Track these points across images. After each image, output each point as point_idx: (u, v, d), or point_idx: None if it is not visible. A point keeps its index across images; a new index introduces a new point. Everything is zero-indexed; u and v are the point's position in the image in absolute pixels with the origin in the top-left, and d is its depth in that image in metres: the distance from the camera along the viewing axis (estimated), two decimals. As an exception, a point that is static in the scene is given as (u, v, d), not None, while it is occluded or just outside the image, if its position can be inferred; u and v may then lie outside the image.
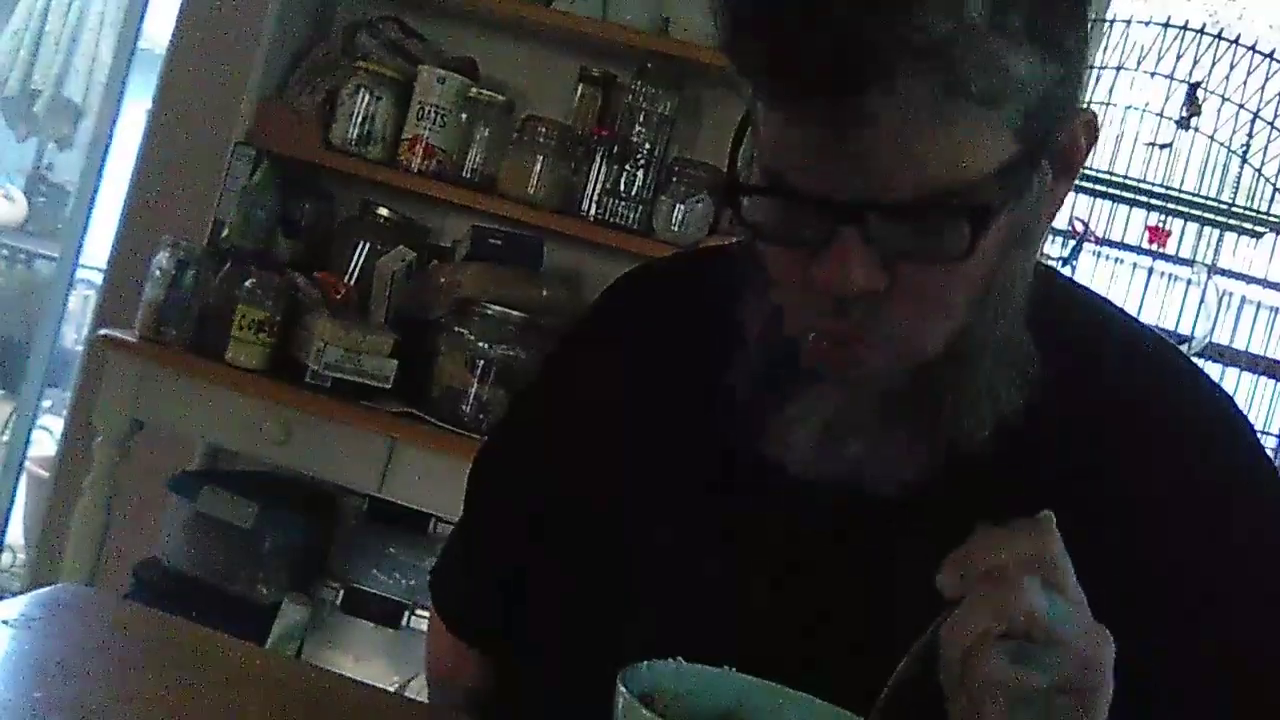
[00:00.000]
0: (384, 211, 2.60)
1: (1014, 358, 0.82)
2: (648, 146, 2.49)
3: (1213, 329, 2.53)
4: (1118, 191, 2.54)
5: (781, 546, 0.87)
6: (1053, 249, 2.49)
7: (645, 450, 0.95)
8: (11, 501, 3.47)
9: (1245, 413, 0.92)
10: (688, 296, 1.00)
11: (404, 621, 2.39)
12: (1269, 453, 0.94)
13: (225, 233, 2.52)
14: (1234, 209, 2.48)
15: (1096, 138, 0.81)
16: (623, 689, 0.67)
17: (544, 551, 1.02)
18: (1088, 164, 0.89)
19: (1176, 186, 2.50)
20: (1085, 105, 0.80)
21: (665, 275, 1.08)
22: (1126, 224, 2.57)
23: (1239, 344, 2.60)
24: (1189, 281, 2.57)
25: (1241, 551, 0.85)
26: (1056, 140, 0.77)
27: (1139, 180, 2.50)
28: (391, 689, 2.05)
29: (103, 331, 2.46)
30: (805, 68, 0.71)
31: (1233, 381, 2.53)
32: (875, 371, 0.79)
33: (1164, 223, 2.57)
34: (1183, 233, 2.58)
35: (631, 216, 2.49)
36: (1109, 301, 0.95)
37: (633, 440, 0.96)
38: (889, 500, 0.82)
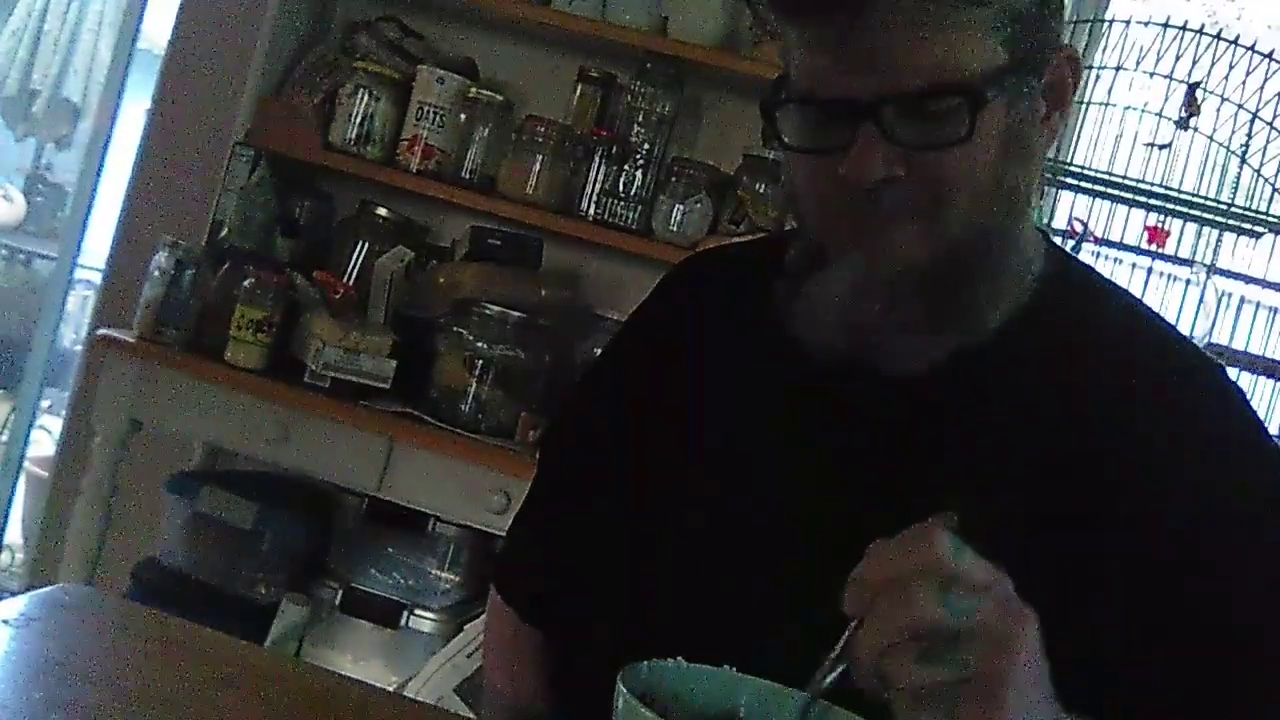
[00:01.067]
0: (383, 211, 2.60)
1: (1019, 262, 0.95)
2: (647, 146, 2.49)
3: (1212, 329, 2.52)
4: (1117, 192, 2.53)
5: (819, 443, 0.98)
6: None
7: (712, 379, 1.05)
8: (10, 501, 3.47)
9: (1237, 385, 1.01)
10: (745, 270, 1.11)
11: (403, 621, 2.39)
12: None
13: (224, 232, 2.51)
14: (1233, 209, 2.48)
15: (1080, 74, 0.95)
16: (623, 689, 0.67)
17: (616, 511, 1.07)
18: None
19: (1175, 187, 2.50)
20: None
21: (722, 255, 1.20)
22: (1125, 224, 2.57)
23: (1238, 344, 2.60)
24: (1188, 282, 2.57)
25: (1210, 482, 0.92)
26: (1042, 62, 0.90)
27: (1138, 180, 2.50)
28: (390, 689, 2.06)
29: (101, 331, 2.46)
30: None
31: (1232, 382, 2.53)
32: (902, 254, 0.89)
33: (1163, 223, 2.56)
34: (1182, 233, 2.58)
35: (630, 216, 2.49)
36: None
37: (698, 381, 1.06)
38: (906, 385, 0.94)
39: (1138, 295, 1.08)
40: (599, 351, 1.28)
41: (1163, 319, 1.03)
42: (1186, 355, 0.99)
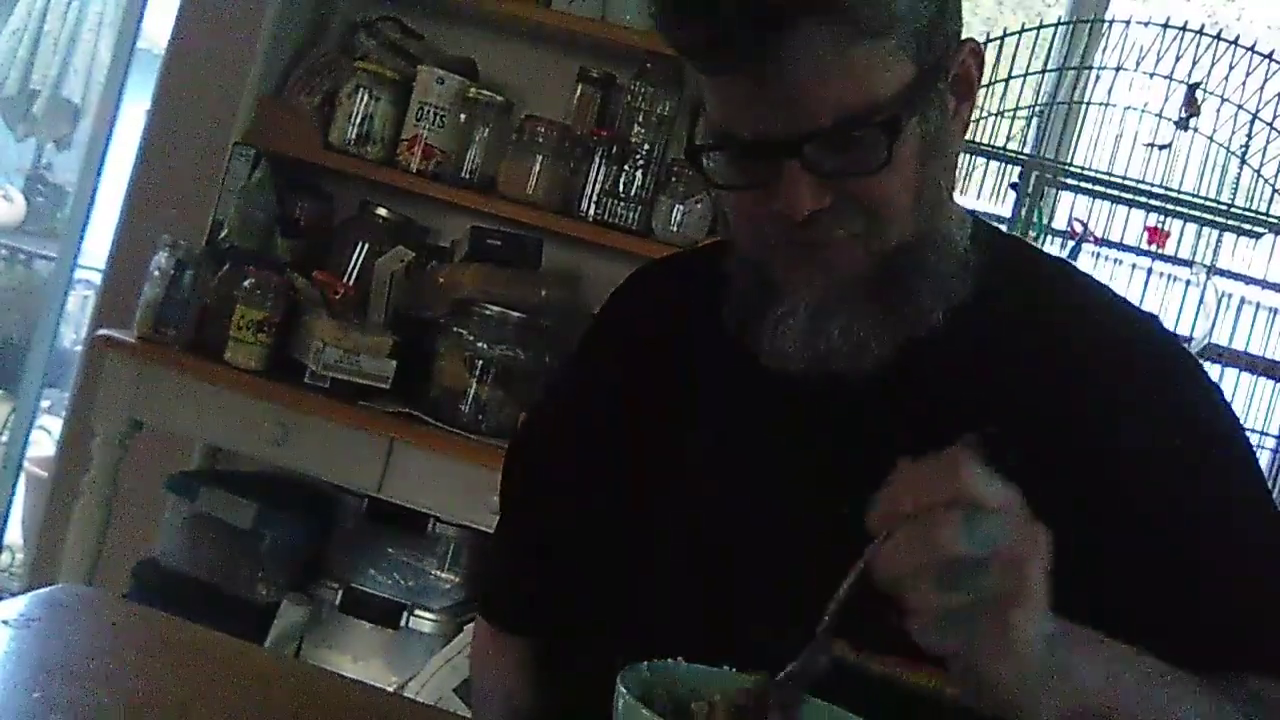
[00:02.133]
0: (383, 211, 2.60)
1: (954, 253, 1.00)
2: (647, 147, 2.49)
3: (1212, 329, 2.52)
4: (1116, 192, 2.53)
5: (781, 444, 1.02)
6: (1052, 250, 2.49)
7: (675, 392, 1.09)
8: (10, 502, 3.47)
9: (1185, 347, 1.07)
10: (695, 278, 1.14)
11: (402, 622, 2.39)
12: (1267, 449, 1.01)
13: (224, 233, 2.51)
14: (1233, 210, 2.48)
15: (983, 64, 0.99)
16: (623, 689, 0.67)
17: (590, 517, 1.10)
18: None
19: (1175, 187, 2.50)
20: (972, 38, 0.98)
21: (669, 265, 1.26)
22: (1125, 225, 2.57)
23: (1238, 344, 2.60)
24: (1188, 282, 2.57)
25: (1167, 427, 0.97)
26: (949, 65, 0.94)
27: (1138, 181, 2.50)
28: (390, 689, 2.06)
29: (101, 332, 2.46)
30: (723, 34, 0.86)
31: (1232, 382, 2.53)
32: (843, 268, 0.94)
33: (1163, 223, 2.56)
34: (1181, 233, 2.57)
35: (630, 217, 2.49)
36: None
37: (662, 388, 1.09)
38: (861, 382, 0.97)
39: (1119, 288, 1.13)
40: (557, 366, 1.31)
41: (1093, 278, 1.08)
42: (1121, 307, 1.04)
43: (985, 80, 1.02)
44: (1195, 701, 0.87)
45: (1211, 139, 2.48)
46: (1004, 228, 2.24)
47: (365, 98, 2.55)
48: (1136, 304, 1.06)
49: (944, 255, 0.98)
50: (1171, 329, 1.07)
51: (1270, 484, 2.45)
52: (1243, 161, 2.48)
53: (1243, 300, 2.60)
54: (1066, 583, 0.79)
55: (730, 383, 1.05)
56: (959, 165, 1.02)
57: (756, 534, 1.00)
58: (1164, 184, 2.49)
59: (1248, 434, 1.04)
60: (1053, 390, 0.97)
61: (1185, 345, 1.06)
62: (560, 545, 1.13)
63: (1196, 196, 2.50)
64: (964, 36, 0.96)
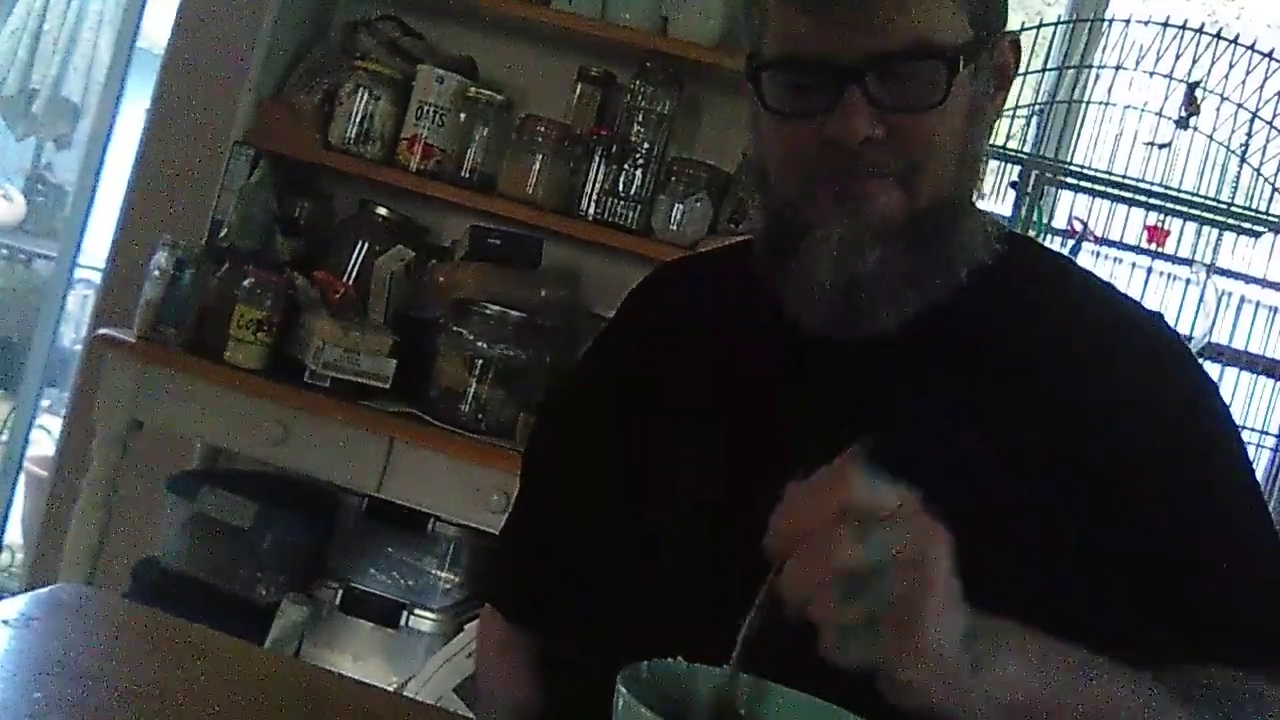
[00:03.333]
0: (383, 211, 2.60)
1: (981, 222, 1.03)
2: (646, 146, 2.49)
3: (1212, 329, 2.52)
4: (1116, 191, 2.53)
5: (800, 426, 1.00)
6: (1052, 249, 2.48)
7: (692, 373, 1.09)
8: (10, 501, 3.47)
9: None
10: (713, 274, 1.18)
11: (402, 621, 2.39)
12: (1268, 449, 1.01)
13: (224, 232, 2.51)
14: (1233, 209, 2.48)
15: (1019, 59, 1.03)
16: (622, 689, 0.67)
17: (603, 511, 1.10)
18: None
19: (1175, 186, 2.50)
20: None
21: (686, 264, 1.29)
22: (1125, 224, 2.57)
23: (1238, 344, 2.60)
24: (1188, 281, 2.57)
25: (1162, 412, 0.98)
26: (995, 44, 0.98)
27: (1138, 180, 2.50)
28: (390, 689, 2.06)
29: (101, 331, 2.46)
30: None
31: (1232, 381, 2.53)
32: (880, 210, 0.95)
33: (1163, 222, 2.56)
34: (1181, 232, 2.57)
35: (630, 216, 2.49)
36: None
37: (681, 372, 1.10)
38: (879, 345, 0.98)
39: (1125, 288, 1.13)
40: (576, 361, 1.30)
41: (1095, 274, 1.10)
42: (1123, 302, 1.06)
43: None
44: (1132, 692, 0.86)
45: (1211, 138, 2.48)
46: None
47: (365, 97, 2.55)
48: (1145, 307, 1.08)
49: (969, 226, 1.00)
50: (1174, 326, 1.08)
51: (1270, 483, 2.46)
52: (1243, 160, 2.48)
53: (1243, 299, 2.60)
54: (1056, 571, 0.81)
55: (749, 379, 1.05)
56: (986, 159, 1.06)
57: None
58: (1164, 183, 2.49)
59: (1242, 433, 1.05)
60: (1051, 380, 0.98)
61: (1186, 343, 1.07)
62: (573, 538, 1.13)
63: (1196, 195, 2.50)
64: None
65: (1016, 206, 2.53)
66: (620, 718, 0.67)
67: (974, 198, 1.02)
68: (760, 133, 1.02)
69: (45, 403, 3.80)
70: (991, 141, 1.07)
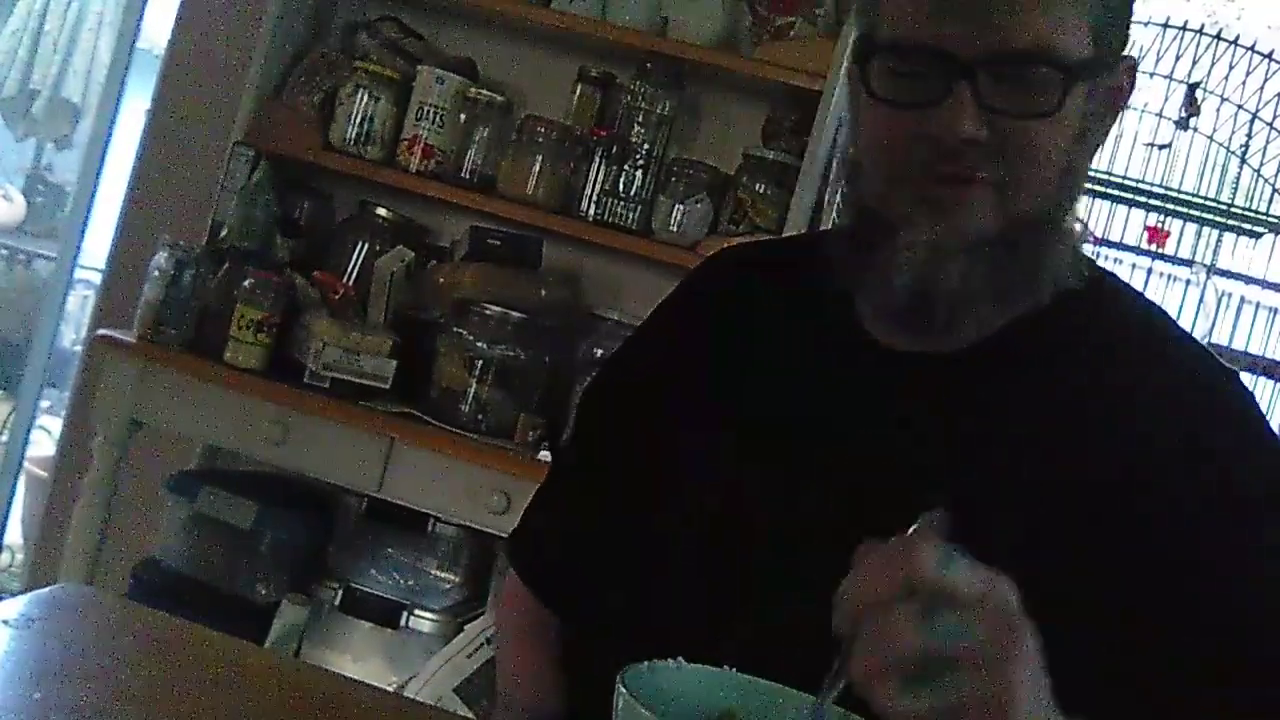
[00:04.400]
0: (383, 211, 2.60)
1: (1072, 247, 0.97)
2: (646, 146, 2.49)
3: (1212, 329, 2.53)
4: (1117, 192, 2.54)
5: (863, 428, 0.98)
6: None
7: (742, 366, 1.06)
8: (10, 502, 3.46)
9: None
10: (781, 264, 1.14)
11: (402, 621, 2.39)
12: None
13: (224, 233, 2.51)
14: (1233, 209, 2.48)
15: (1134, 87, 0.98)
16: (623, 689, 0.67)
17: (646, 500, 1.06)
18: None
19: (1175, 187, 2.50)
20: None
21: (751, 251, 1.23)
22: (1126, 224, 2.57)
23: (1238, 344, 2.60)
24: (1188, 282, 2.57)
25: (1234, 496, 0.92)
26: (1114, 64, 0.94)
27: (1138, 180, 2.50)
28: (390, 689, 2.06)
29: (101, 332, 2.46)
30: None
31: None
32: (973, 218, 0.91)
33: (1163, 223, 2.57)
34: (1182, 233, 2.58)
35: (630, 216, 2.49)
36: None
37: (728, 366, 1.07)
38: (952, 360, 0.95)
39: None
40: (625, 338, 1.27)
41: (1184, 329, 1.04)
42: (1208, 361, 1.00)
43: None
44: None
45: (1211, 139, 2.49)
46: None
47: (365, 98, 2.55)
48: (1226, 366, 1.02)
49: (1063, 250, 0.96)
50: (1250, 388, 1.02)
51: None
52: (1243, 161, 2.48)
53: (1243, 300, 2.60)
54: (1102, 623, 0.76)
55: (812, 379, 1.02)
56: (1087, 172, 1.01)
57: (833, 521, 0.95)
58: (1164, 184, 2.50)
59: None
60: (1121, 428, 0.94)
61: (1259, 405, 1.00)
62: (616, 522, 1.09)
63: (1196, 196, 2.50)
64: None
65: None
66: (619, 717, 0.67)
67: (1068, 220, 0.96)
68: (858, 120, 0.98)
69: (45, 403, 3.80)
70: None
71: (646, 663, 0.72)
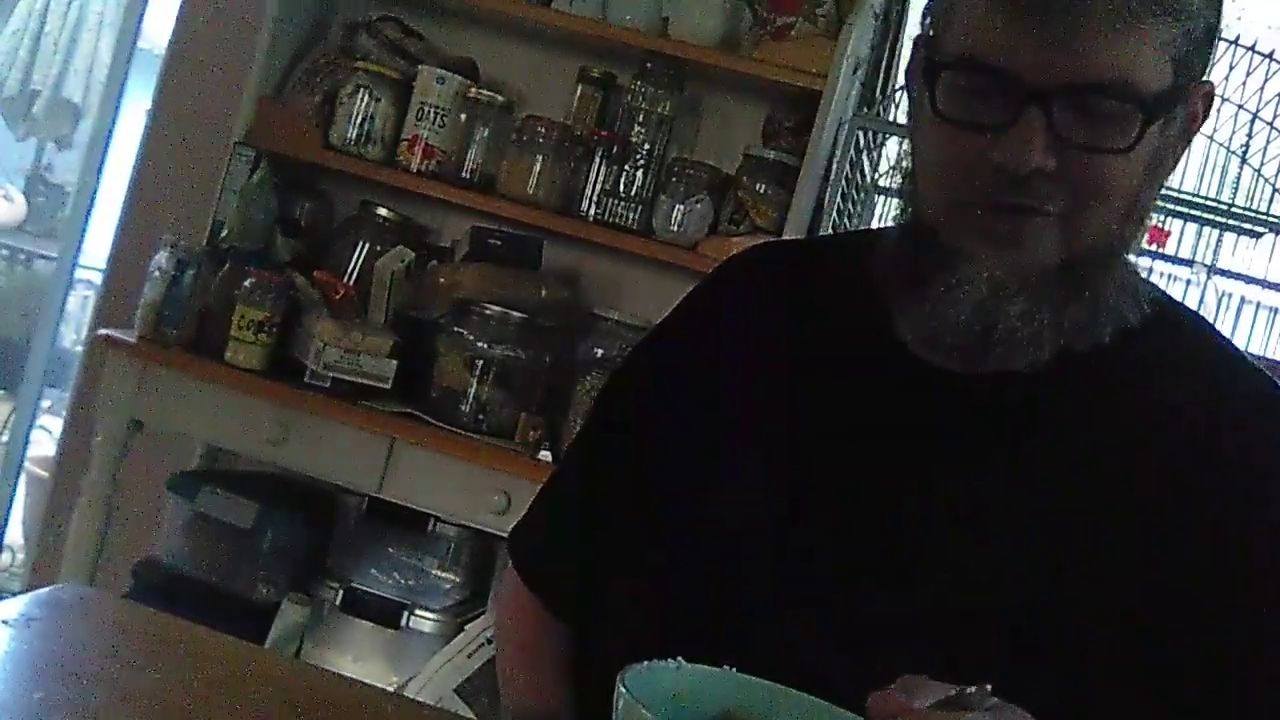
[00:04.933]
0: (383, 211, 2.60)
1: (1134, 282, 0.93)
2: (647, 147, 2.49)
3: (1212, 329, 2.52)
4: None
5: (903, 443, 0.95)
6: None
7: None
8: (11, 502, 3.46)
9: None
10: (820, 265, 1.10)
11: (403, 622, 2.39)
12: None
13: (224, 233, 2.51)
14: (1234, 210, 2.48)
15: (1209, 111, 0.94)
16: (623, 689, 0.67)
17: (663, 503, 1.03)
18: None
19: (1176, 187, 2.50)
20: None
21: (789, 249, 1.21)
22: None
23: (1238, 344, 2.60)
24: (1189, 282, 2.57)
25: None
26: (1191, 93, 0.89)
27: (1138, 180, 2.50)
28: (390, 689, 2.06)
29: (102, 332, 2.46)
30: None
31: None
32: (1034, 251, 0.87)
33: (1163, 223, 2.56)
34: (1182, 233, 2.57)
35: (631, 217, 2.49)
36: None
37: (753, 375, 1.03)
38: (1001, 384, 0.91)
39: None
40: (649, 333, 1.22)
41: (1247, 356, 1.02)
42: (1264, 386, 0.96)
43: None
44: None
45: (1212, 139, 2.48)
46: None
47: (365, 98, 2.55)
48: (1270, 376, 0.99)
49: (1124, 284, 0.92)
50: None
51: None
52: (1243, 161, 2.48)
53: (1243, 300, 2.59)
54: (1131, 661, 0.74)
55: (845, 389, 0.99)
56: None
57: (865, 534, 0.94)
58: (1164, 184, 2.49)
59: None
60: (1176, 466, 0.91)
61: None
62: (627, 526, 1.06)
63: (1197, 196, 2.49)
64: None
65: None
66: (620, 717, 0.67)
67: (1132, 253, 0.93)
68: (920, 135, 0.94)
69: (46, 403, 3.80)
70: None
71: (646, 663, 0.72)
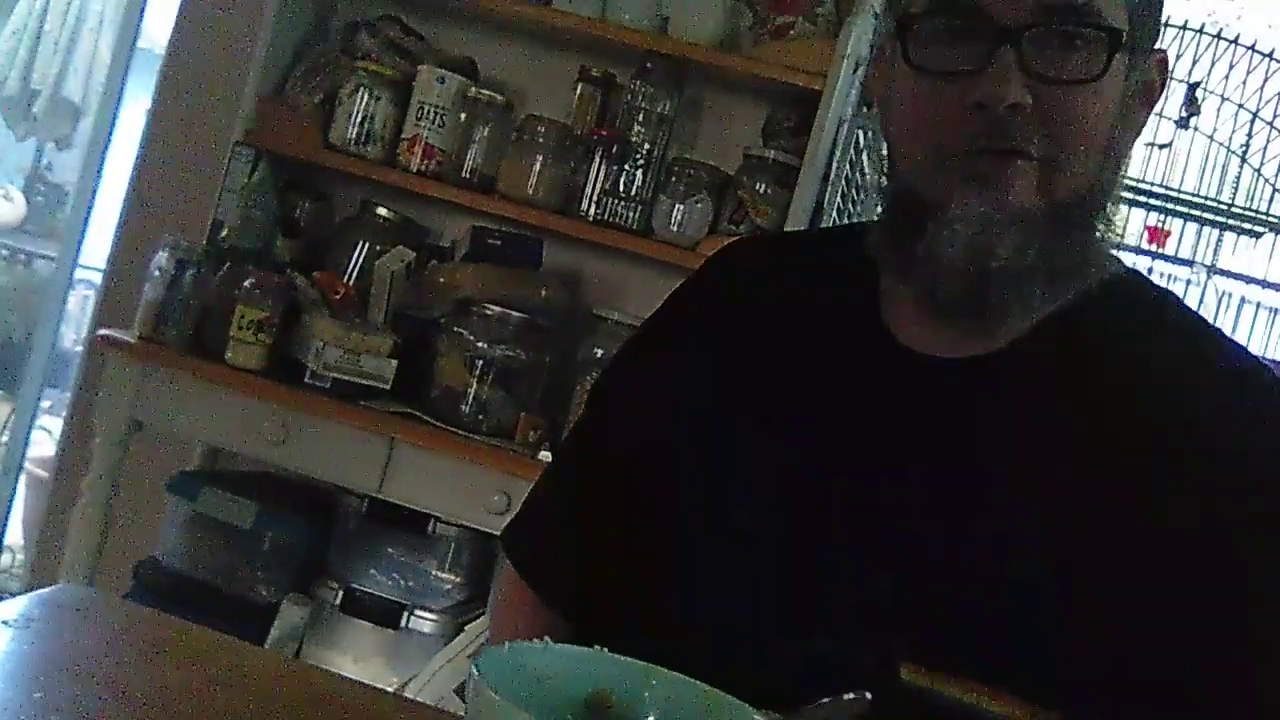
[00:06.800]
0: (383, 211, 2.60)
1: (1113, 235, 0.96)
2: (647, 146, 2.49)
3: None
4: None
5: (883, 430, 0.96)
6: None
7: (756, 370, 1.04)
8: (11, 502, 3.47)
9: None
10: (804, 257, 1.12)
11: (403, 622, 2.39)
12: None
13: (224, 233, 2.51)
14: (1233, 209, 2.48)
15: (1165, 82, 0.98)
16: (475, 671, 0.64)
17: (655, 497, 1.03)
18: None
19: (1176, 186, 2.50)
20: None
21: (772, 243, 1.23)
22: (1126, 224, 2.57)
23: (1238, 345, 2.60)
24: (1189, 281, 2.57)
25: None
26: (1147, 50, 0.94)
27: (1139, 180, 2.50)
28: (390, 689, 2.05)
29: (102, 332, 2.46)
30: None
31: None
32: (1017, 196, 0.89)
33: (1163, 223, 2.57)
34: (1182, 233, 2.58)
35: (631, 216, 2.49)
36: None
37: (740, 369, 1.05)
38: (976, 360, 0.94)
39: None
40: (637, 330, 1.22)
41: (1211, 326, 1.03)
42: (1243, 359, 0.98)
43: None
44: None
45: (1212, 138, 2.48)
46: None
47: (365, 97, 2.55)
48: (1247, 348, 1.01)
49: (1104, 233, 0.95)
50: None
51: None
52: (1243, 161, 2.48)
53: (1243, 300, 2.60)
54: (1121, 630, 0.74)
55: (832, 381, 1.00)
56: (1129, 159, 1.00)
57: (848, 521, 0.95)
58: (1164, 183, 2.49)
59: None
60: (1150, 428, 0.92)
61: None
62: (622, 520, 1.06)
63: (1197, 196, 2.50)
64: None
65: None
66: (469, 700, 0.65)
67: (1109, 207, 0.95)
68: (895, 102, 0.96)
69: (45, 403, 3.80)
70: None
71: (509, 643, 0.69)
